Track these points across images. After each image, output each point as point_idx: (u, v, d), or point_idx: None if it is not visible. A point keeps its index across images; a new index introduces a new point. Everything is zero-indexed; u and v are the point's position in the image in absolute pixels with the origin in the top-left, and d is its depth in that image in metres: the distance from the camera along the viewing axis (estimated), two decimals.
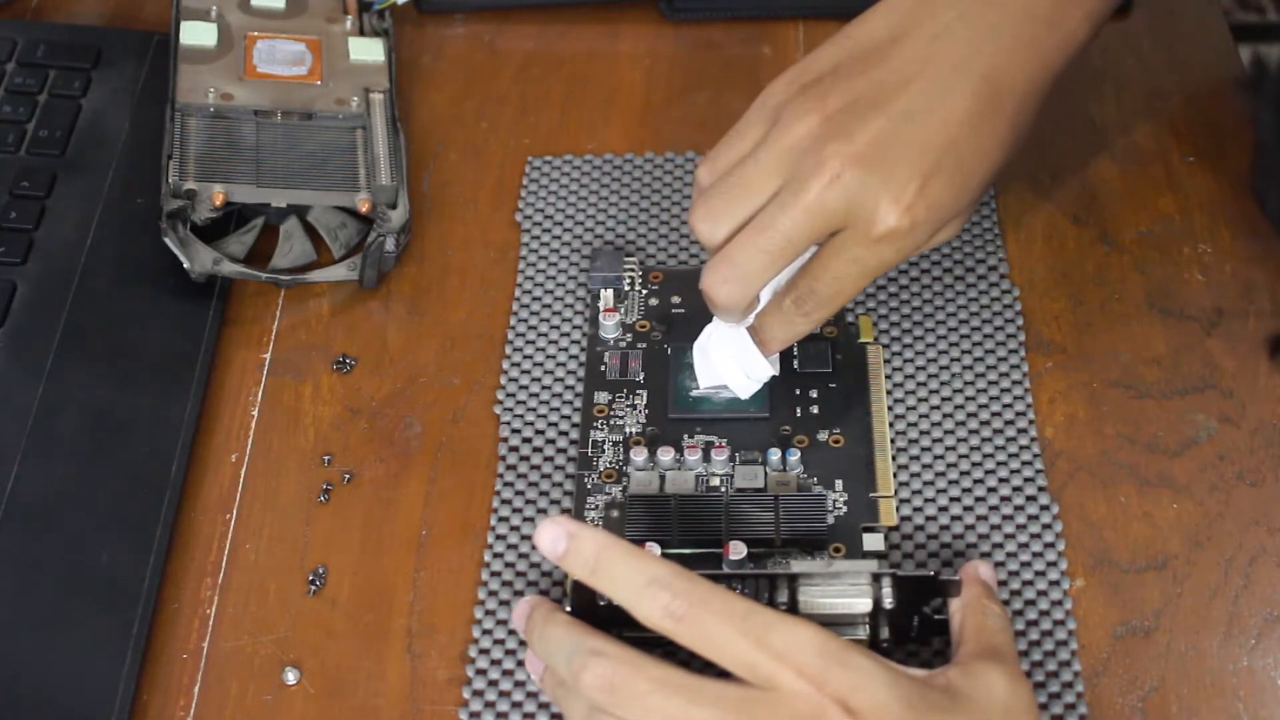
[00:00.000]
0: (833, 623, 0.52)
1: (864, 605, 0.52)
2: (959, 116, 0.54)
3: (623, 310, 0.64)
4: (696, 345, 0.60)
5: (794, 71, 0.56)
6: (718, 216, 0.55)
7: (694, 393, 0.60)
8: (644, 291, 0.64)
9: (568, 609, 0.51)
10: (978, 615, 0.51)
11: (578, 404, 0.61)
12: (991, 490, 0.58)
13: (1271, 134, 0.58)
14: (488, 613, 0.56)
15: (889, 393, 0.61)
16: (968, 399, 0.61)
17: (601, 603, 0.51)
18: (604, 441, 0.60)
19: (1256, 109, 0.70)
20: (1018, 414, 0.60)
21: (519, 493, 0.59)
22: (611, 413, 0.60)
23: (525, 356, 0.63)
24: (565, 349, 0.63)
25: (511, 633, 0.55)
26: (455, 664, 0.55)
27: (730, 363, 0.59)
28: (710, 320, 0.59)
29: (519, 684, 0.54)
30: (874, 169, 0.53)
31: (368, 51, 0.72)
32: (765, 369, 0.58)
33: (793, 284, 0.56)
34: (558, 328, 0.64)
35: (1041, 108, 0.57)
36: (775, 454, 0.58)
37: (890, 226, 0.53)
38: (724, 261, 0.55)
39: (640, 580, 0.48)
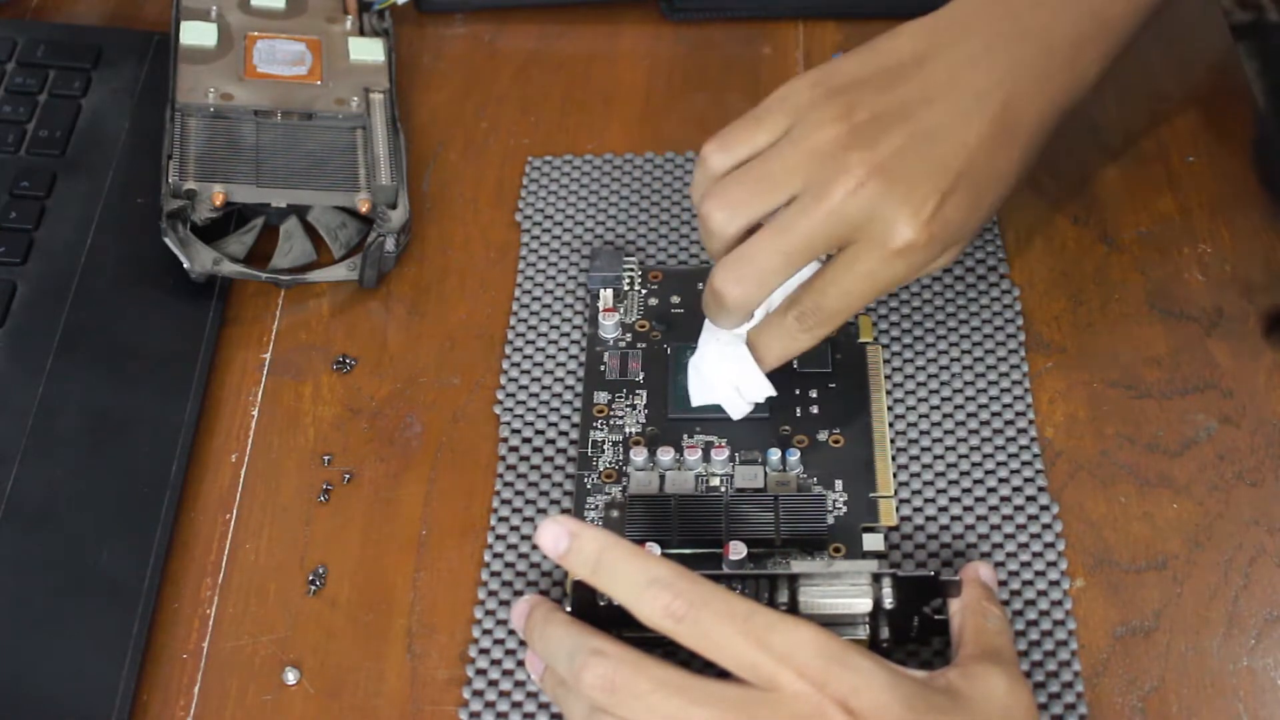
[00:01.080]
0: (833, 623, 0.52)
1: (864, 605, 0.52)
2: (977, 141, 0.55)
3: (622, 310, 0.64)
4: (691, 363, 0.60)
5: (819, 74, 0.56)
6: (735, 206, 0.55)
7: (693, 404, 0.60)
8: (643, 291, 0.64)
9: (568, 609, 0.51)
10: (978, 617, 0.51)
11: (577, 404, 0.61)
12: (991, 490, 0.58)
13: (1272, 109, 0.59)
14: (488, 613, 0.56)
15: (889, 393, 0.61)
16: (968, 399, 0.61)
17: (602, 602, 0.51)
18: (604, 441, 0.60)
19: (1262, 91, 0.70)
20: (1018, 414, 0.60)
21: (519, 493, 0.59)
22: (611, 413, 0.60)
23: (525, 356, 0.63)
24: (565, 349, 0.63)
25: (511, 633, 0.55)
26: (455, 664, 0.55)
27: (725, 382, 0.58)
28: (701, 336, 0.59)
29: (519, 684, 0.54)
30: (896, 182, 0.53)
31: (368, 51, 0.72)
32: (761, 388, 0.58)
33: (796, 298, 0.56)
34: (557, 328, 0.64)
35: (1047, 143, 0.58)
36: (775, 454, 0.58)
37: (908, 240, 0.53)
38: (741, 260, 0.55)
39: (641, 580, 0.48)
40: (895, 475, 0.59)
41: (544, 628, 0.51)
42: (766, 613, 0.47)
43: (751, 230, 0.55)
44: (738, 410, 0.59)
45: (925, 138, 0.54)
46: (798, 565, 0.54)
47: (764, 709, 0.46)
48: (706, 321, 0.59)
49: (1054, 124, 0.58)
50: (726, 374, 0.58)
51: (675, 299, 0.64)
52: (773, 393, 0.58)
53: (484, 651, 0.55)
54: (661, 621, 0.48)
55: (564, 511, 0.58)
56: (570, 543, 0.49)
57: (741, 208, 0.55)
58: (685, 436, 0.59)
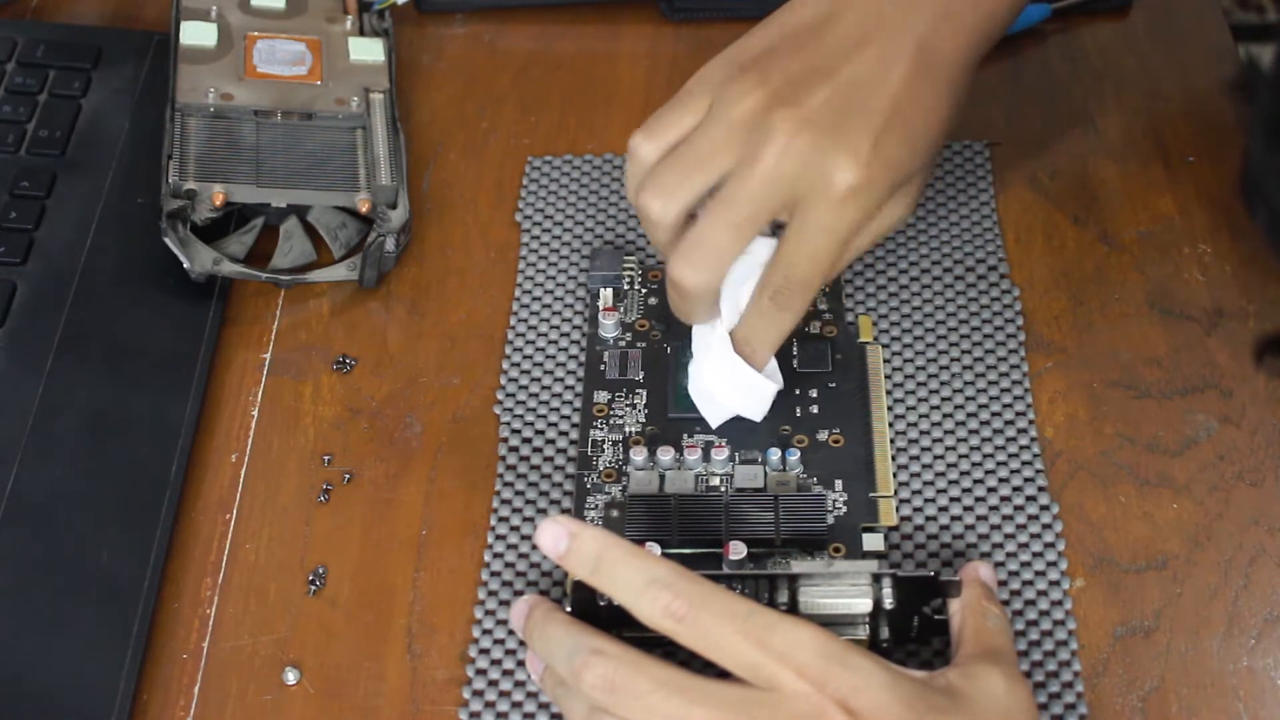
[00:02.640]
0: (833, 623, 0.52)
1: (864, 605, 0.52)
2: (900, 82, 0.55)
3: (622, 309, 0.64)
4: (692, 390, 0.60)
5: (728, 53, 0.57)
6: (671, 192, 0.55)
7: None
8: (643, 291, 0.64)
9: (568, 609, 0.51)
10: (977, 617, 0.51)
11: (577, 404, 0.61)
12: (991, 490, 0.58)
13: (1260, 146, 0.59)
14: (488, 613, 0.56)
15: (889, 393, 0.61)
16: (968, 399, 0.61)
17: (602, 603, 0.51)
18: (604, 441, 0.60)
19: (1248, 118, 0.70)
20: (1018, 414, 0.60)
21: (519, 493, 0.59)
22: (611, 412, 0.60)
23: (525, 356, 0.63)
24: (565, 349, 0.63)
25: (511, 633, 0.55)
26: (455, 664, 0.55)
27: (734, 393, 0.58)
28: (693, 356, 0.59)
29: (519, 684, 0.54)
30: (825, 131, 0.54)
31: (368, 51, 0.72)
32: (769, 385, 0.58)
33: (766, 281, 0.56)
34: (557, 327, 0.64)
35: (972, 77, 0.58)
36: (775, 454, 0.58)
37: (850, 183, 0.54)
38: (692, 246, 0.55)
39: (641, 580, 0.48)
40: (895, 475, 0.59)
41: (543, 628, 0.51)
42: (766, 613, 0.47)
43: (693, 217, 0.55)
44: (757, 412, 0.59)
45: (847, 87, 0.54)
46: (798, 565, 0.54)
47: (764, 709, 0.46)
48: (694, 339, 0.59)
49: (976, 56, 0.58)
50: (730, 383, 0.58)
51: None
52: (779, 384, 0.58)
53: (484, 651, 0.55)
54: (661, 622, 0.48)
55: (564, 511, 0.58)
56: (570, 543, 0.49)
57: (677, 192, 0.55)
58: (685, 436, 0.59)
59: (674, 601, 0.47)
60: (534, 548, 0.57)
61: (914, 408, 0.61)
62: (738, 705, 0.46)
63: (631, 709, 0.47)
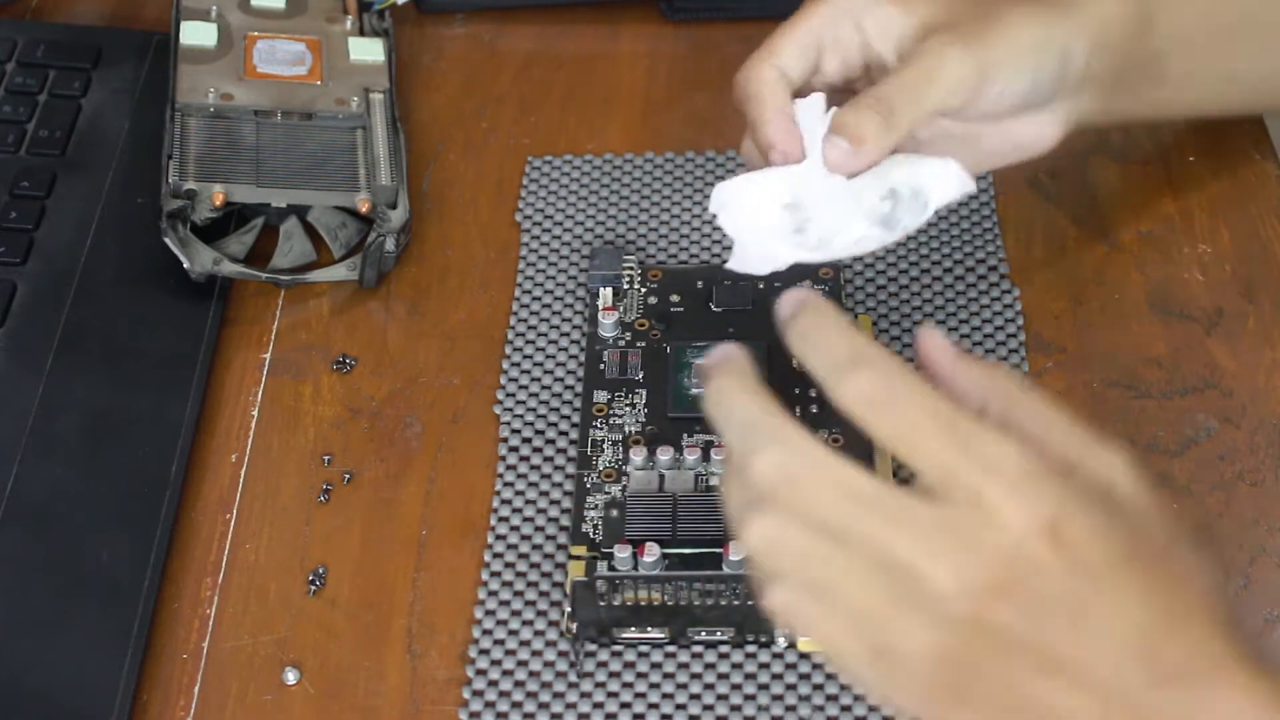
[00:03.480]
0: None
1: None
2: None
3: (622, 309, 0.64)
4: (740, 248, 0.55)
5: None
6: None
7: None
8: (643, 290, 0.64)
9: (568, 609, 0.51)
10: (1026, 402, 0.44)
11: (577, 403, 0.61)
12: None
13: None
14: (488, 613, 0.56)
15: None
16: None
17: (601, 603, 0.51)
18: (603, 440, 0.59)
19: None
20: None
21: (519, 493, 0.59)
22: (611, 412, 0.60)
23: (525, 356, 0.63)
24: (565, 348, 0.63)
25: (512, 633, 0.55)
26: (455, 664, 0.55)
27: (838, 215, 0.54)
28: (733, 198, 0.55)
29: (519, 684, 0.54)
30: None
31: (368, 51, 0.72)
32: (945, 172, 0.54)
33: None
34: (557, 327, 0.64)
35: None
36: None
37: None
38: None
39: (845, 354, 0.43)
40: (895, 475, 0.59)
41: (723, 388, 0.45)
42: (973, 419, 0.42)
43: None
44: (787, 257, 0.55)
45: None
46: None
47: (958, 531, 0.41)
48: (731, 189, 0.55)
49: None
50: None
51: (675, 298, 0.64)
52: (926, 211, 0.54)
53: (484, 652, 0.55)
54: (855, 406, 0.42)
55: (564, 511, 0.58)
56: (796, 311, 0.45)
57: None
58: (685, 436, 0.59)
59: (877, 385, 0.42)
60: (534, 548, 0.57)
61: None
62: (930, 526, 0.41)
63: (804, 514, 0.42)
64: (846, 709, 0.52)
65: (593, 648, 0.54)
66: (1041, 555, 0.40)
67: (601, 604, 0.51)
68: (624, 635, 0.54)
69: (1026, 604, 0.40)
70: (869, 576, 0.42)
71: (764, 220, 0.54)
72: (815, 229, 0.54)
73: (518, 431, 0.61)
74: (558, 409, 0.61)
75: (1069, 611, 0.40)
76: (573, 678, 0.54)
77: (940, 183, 0.54)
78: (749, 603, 0.52)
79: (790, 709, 0.53)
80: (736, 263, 0.55)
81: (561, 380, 0.62)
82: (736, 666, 0.54)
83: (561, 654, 0.54)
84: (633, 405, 0.60)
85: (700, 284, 0.64)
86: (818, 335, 0.44)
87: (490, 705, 0.53)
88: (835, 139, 0.54)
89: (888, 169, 0.54)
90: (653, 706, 0.53)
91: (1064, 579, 0.40)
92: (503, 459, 0.60)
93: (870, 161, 0.54)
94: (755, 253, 0.54)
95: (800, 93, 0.56)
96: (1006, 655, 0.41)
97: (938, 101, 0.54)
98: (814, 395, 0.60)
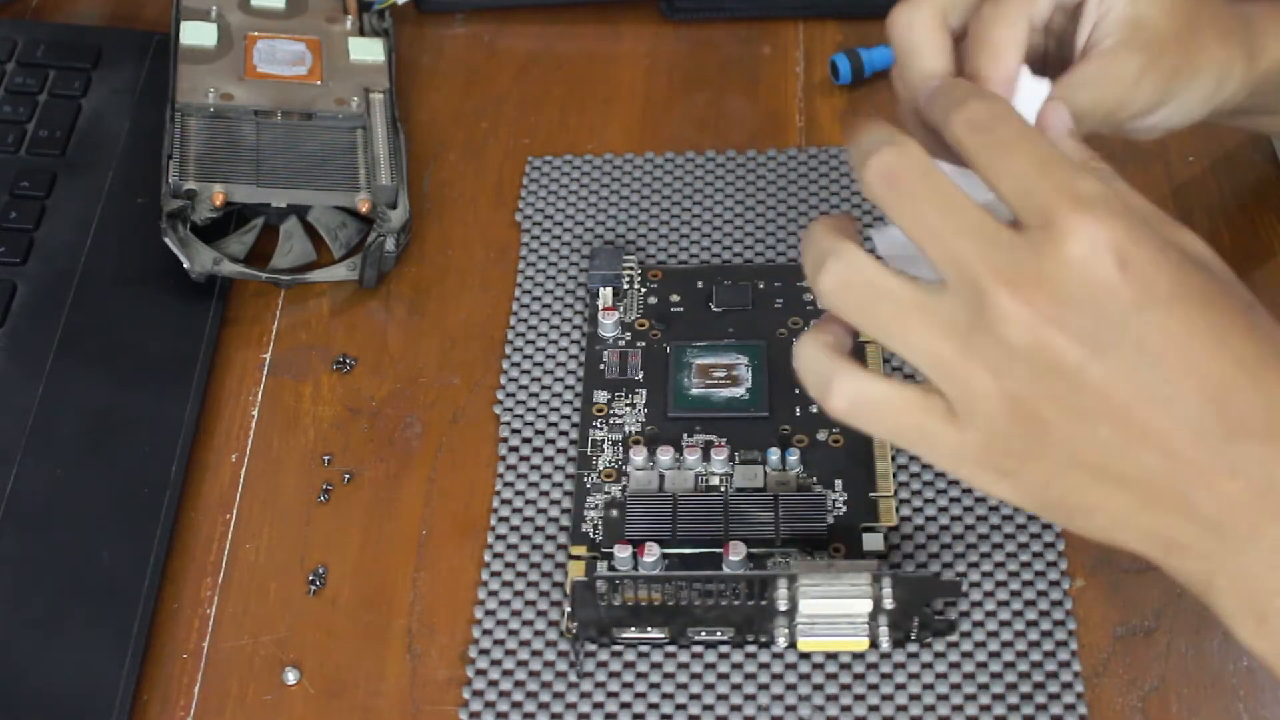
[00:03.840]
0: (832, 623, 0.52)
1: (864, 605, 0.52)
2: None
3: (622, 309, 0.64)
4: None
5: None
6: None
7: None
8: (643, 290, 0.64)
9: (568, 609, 0.51)
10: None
11: (577, 403, 0.61)
12: None
13: None
14: (488, 613, 0.56)
15: None
16: None
17: (602, 603, 0.51)
18: (603, 440, 0.60)
19: None
20: None
21: (519, 493, 0.59)
22: (611, 412, 0.60)
23: (525, 356, 0.63)
24: (565, 348, 0.63)
25: (512, 633, 0.55)
26: (455, 664, 0.55)
27: None
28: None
29: (519, 684, 0.54)
30: None
31: (368, 51, 0.72)
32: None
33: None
34: (557, 327, 0.64)
35: None
36: (775, 453, 0.58)
37: None
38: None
39: (954, 92, 0.43)
40: (895, 475, 0.59)
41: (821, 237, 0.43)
42: (1064, 156, 0.41)
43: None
44: None
45: None
46: (797, 565, 0.54)
47: (1028, 253, 0.39)
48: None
49: None
50: None
51: (675, 298, 0.64)
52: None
53: (484, 652, 0.55)
54: (958, 129, 0.42)
55: (564, 511, 0.58)
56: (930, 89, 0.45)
57: None
58: (685, 436, 0.59)
59: (980, 111, 0.42)
60: (534, 548, 0.57)
61: None
62: (999, 245, 0.40)
63: (905, 212, 0.41)
64: (846, 709, 0.53)
65: (593, 648, 0.54)
66: (1107, 276, 0.39)
67: (601, 604, 0.51)
68: (624, 635, 0.54)
69: (1089, 330, 0.39)
70: (937, 301, 0.41)
71: None
72: None
73: (518, 431, 0.61)
74: (558, 409, 0.61)
75: (1135, 343, 0.39)
76: (573, 678, 0.54)
77: None
78: (749, 603, 0.52)
79: (790, 709, 0.53)
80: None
81: (561, 380, 0.62)
82: (736, 666, 0.54)
83: (561, 654, 0.54)
84: (633, 405, 0.61)
85: (700, 284, 0.64)
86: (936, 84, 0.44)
87: (490, 705, 0.53)
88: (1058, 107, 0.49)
89: None
90: (653, 706, 0.53)
91: (1130, 306, 0.39)
92: (503, 459, 0.60)
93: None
94: None
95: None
96: (1071, 397, 0.39)
97: (1109, 116, 0.51)
98: None
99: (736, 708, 0.53)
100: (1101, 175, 0.42)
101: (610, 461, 0.59)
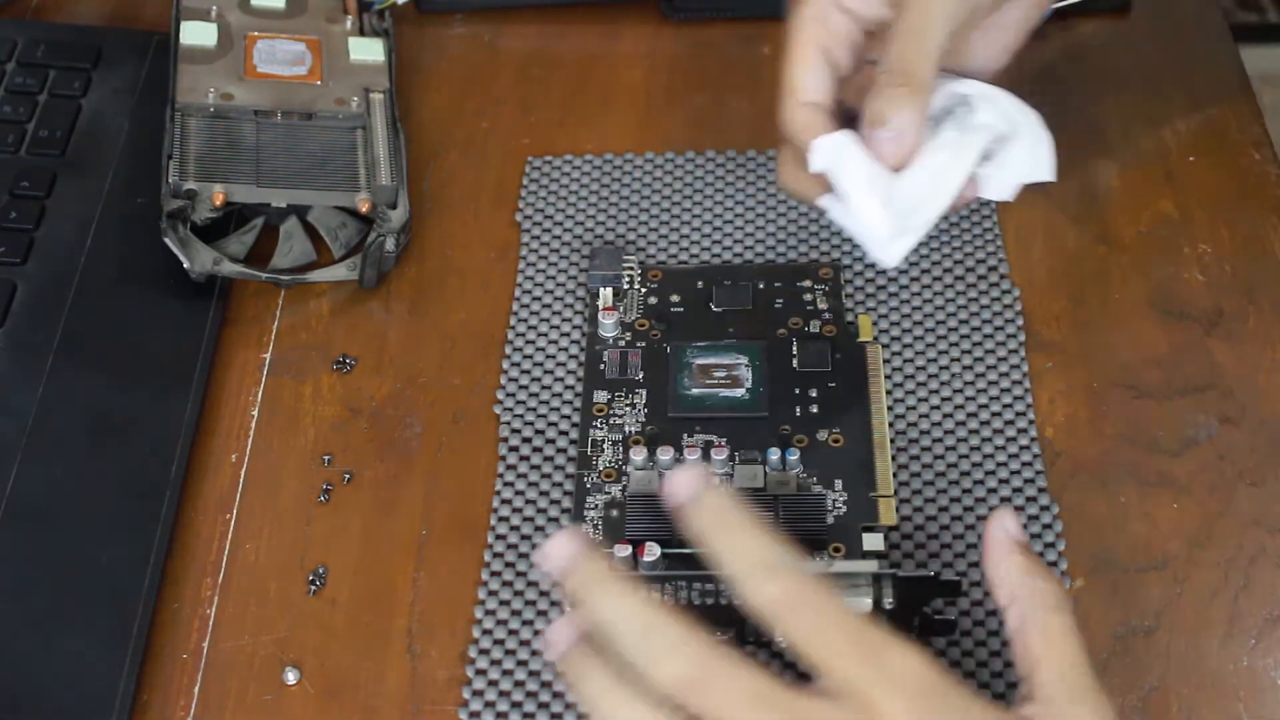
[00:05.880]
0: None
1: (864, 605, 0.52)
2: None
3: (622, 309, 0.64)
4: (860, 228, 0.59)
5: None
6: None
7: None
8: (643, 290, 0.64)
9: (568, 609, 0.51)
10: (1045, 619, 0.47)
11: (577, 403, 0.61)
12: (991, 490, 0.58)
13: None
14: (488, 613, 0.56)
15: (889, 393, 0.61)
16: (968, 399, 0.61)
17: None
18: (603, 441, 0.60)
19: None
20: (1018, 414, 0.60)
21: (519, 493, 0.59)
22: (611, 412, 0.60)
23: (525, 356, 0.63)
24: (565, 348, 0.63)
25: (512, 633, 0.55)
26: (455, 664, 0.55)
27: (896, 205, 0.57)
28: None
29: (519, 684, 0.54)
30: None
31: (368, 51, 0.72)
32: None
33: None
34: (557, 327, 0.64)
35: None
36: (775, 453, 0.58)
37: None
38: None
39: (759, 557, 0.45)
40: (895, 475, 0.59)
41: (606, 591, 0.45)
42: (881, 630, 0.44)
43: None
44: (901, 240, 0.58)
45: None
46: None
47: None
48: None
49: None
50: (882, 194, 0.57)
51: (675, 298, 0.64)
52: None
53: (484, 651, 0.55)
54: (768, 604, 0.44)
55: (564, 512, 0.58)
56: (698, 494, 0.46)
57: None
58: (685, 436, 0.59)
59: (789, 591, 0.44)
60: (534, 548, 0.57)
61: (914, 408, 0.61)
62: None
63: (713, 714, 0.43)
64: None
65: None
66: None
67: None
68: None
69: None
70: None
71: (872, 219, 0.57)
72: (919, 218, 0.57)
73: (518, 431, 0.61)
74: (558, 409, 0.61)
75: None
76: None
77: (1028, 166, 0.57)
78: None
79: None
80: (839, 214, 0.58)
81: (561, 380, 0.62)
82: None
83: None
84: (633, 405, 0.61)
85: (700, 284, 0.64)
86: (728, 535, 0.46)
87: (490, 705, 0.53)
88: (876, 133, 0.54)
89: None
90: None
91: None
92: (503, 459, 0.60)
93: (914, 130, 0.55)
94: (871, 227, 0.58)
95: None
96: None
97: (943, 29, 0.54)
98: (813, 395, 0.60)
99: None
100: (1023, 625, 0.47)
101: (610, 461, 0.59)
